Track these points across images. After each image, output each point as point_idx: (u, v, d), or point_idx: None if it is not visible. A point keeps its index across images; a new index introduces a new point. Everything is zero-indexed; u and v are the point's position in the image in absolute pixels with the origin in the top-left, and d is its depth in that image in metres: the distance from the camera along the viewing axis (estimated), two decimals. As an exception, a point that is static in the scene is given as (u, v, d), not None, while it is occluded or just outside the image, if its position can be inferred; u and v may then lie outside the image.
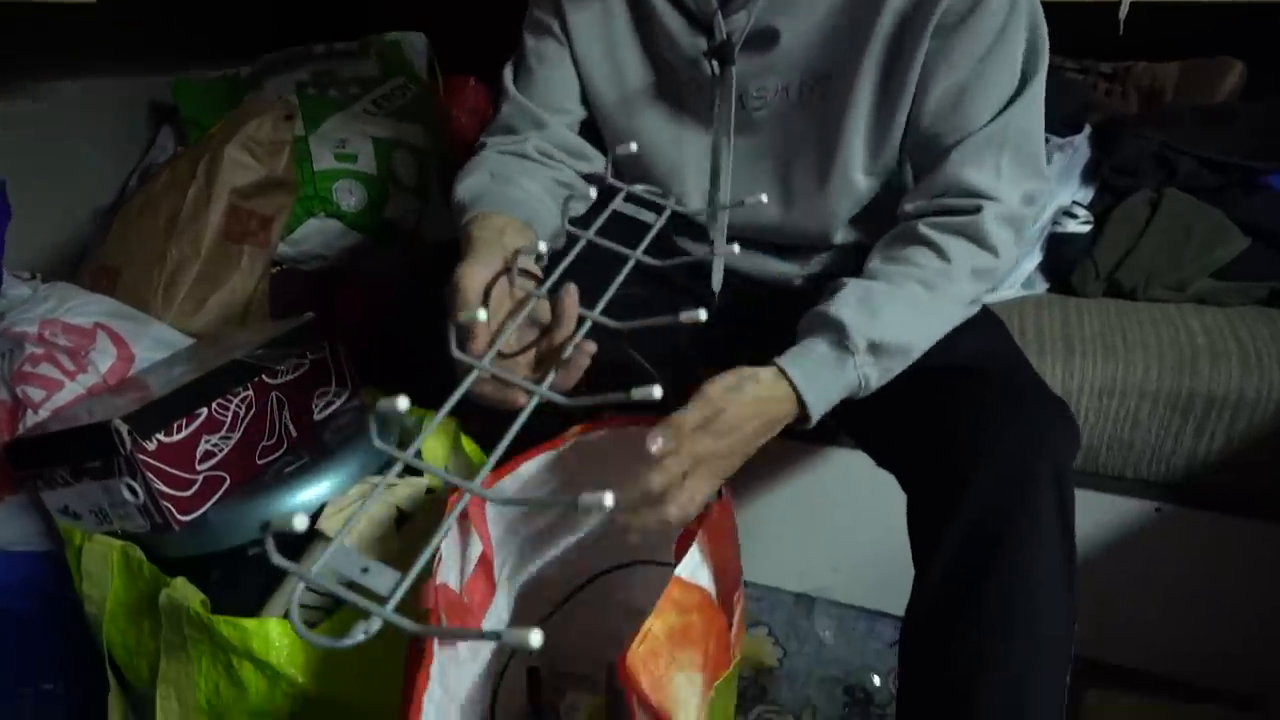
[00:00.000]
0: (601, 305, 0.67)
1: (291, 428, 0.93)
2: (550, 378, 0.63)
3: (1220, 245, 1.14)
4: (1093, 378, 1.04)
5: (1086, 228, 1.20)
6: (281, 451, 0.91)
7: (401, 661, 0.65)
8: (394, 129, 1.35)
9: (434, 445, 0.94)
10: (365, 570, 0.65)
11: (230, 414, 0.87)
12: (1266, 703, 1.03)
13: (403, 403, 0.48)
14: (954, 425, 0.71)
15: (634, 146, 0.73)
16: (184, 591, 0.75)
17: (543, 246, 0.67)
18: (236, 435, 0.87)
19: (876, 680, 1.10)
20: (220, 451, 0.85)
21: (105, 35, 1.39)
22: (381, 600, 0.45)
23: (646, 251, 0.70)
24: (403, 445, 1.07)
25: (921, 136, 0.80)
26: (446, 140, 1.42)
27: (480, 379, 0.64)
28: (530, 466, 0.80)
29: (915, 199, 0.81)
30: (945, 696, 0.68)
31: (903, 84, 0.78)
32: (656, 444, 0.65)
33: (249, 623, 0.73)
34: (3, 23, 1.18)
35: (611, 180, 0.76)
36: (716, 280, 0.94)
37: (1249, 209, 1.17)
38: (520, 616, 0.91)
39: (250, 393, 0.89)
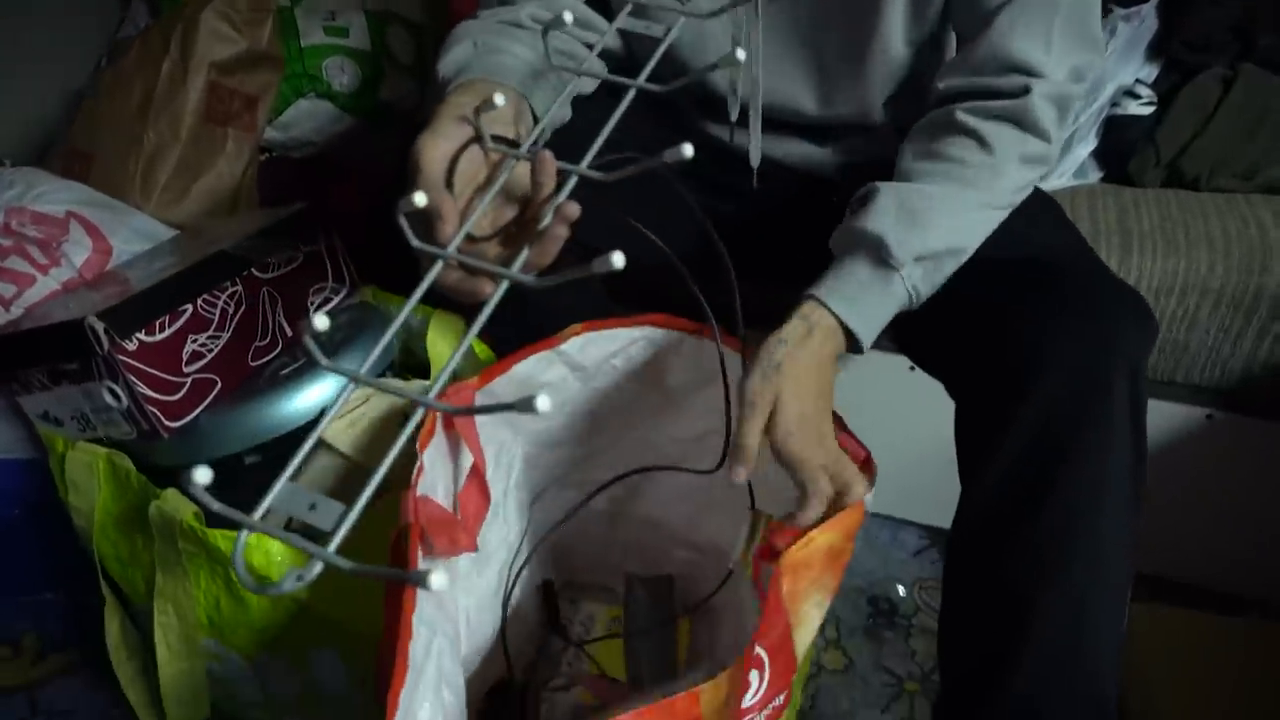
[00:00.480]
0: (590, 156, 0.56)
1: (286, 326, 0.86)
2: (522, 257, 0.53)
3: (1298, 129, 1.04)
4: (1150, 275, 0.96)
5: (1149, 109, 1.09)
6: (276, 352, 0.85)
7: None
8: (387, 0, 1.23)
9: (439, 346, 0.88)
10: (313, 507, 0.59)
11: (218, 311, 0.80)
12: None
13: (321, 322, 0.43)
14: (1014, 322, 0.64)
15: None
16: (175, 504, 0.70)
17: (500, 99, 0.56)
18: (226, 334, 0.80)
19: (901, 590, 1.07)
20: (209, 352, 0.78)
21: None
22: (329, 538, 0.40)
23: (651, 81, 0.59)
24: (407, 349, 1.01)
25: None
26: (444, 16, 1.30)
27: (447, 268, 0.55)
28: (525, 367, 0.73)
29: (951, 76, 0.72)
30: (999, 611, 0.63)
31: None
32: (740, 476, 0.62)
33: (250, 538, 0.68)
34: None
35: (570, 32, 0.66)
36: (755, 151, 0.83)
37: (1334, 88, 1.06)
38: (530, 526, 0.87)
39: (239, 288, 0.82)
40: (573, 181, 0.56)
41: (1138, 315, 0.63)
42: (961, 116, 0.68)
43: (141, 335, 0.73)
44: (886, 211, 0.65)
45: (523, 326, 0.74)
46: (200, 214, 1.03)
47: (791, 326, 0.64)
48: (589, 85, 0.81)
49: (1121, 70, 1.13)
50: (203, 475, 0.39)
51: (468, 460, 0.68)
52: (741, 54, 0.62)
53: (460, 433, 0.67)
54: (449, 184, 0.58)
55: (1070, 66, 0.68)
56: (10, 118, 1.21)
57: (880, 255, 0.65)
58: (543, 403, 0.36)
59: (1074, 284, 0.65)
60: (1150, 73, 1.14)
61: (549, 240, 0.55)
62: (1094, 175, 1.13)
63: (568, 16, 0.61)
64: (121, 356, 0.71)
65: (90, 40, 1.34)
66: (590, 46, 0.71)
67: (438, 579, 0.34)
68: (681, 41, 0.79)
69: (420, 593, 0.54)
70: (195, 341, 0.77)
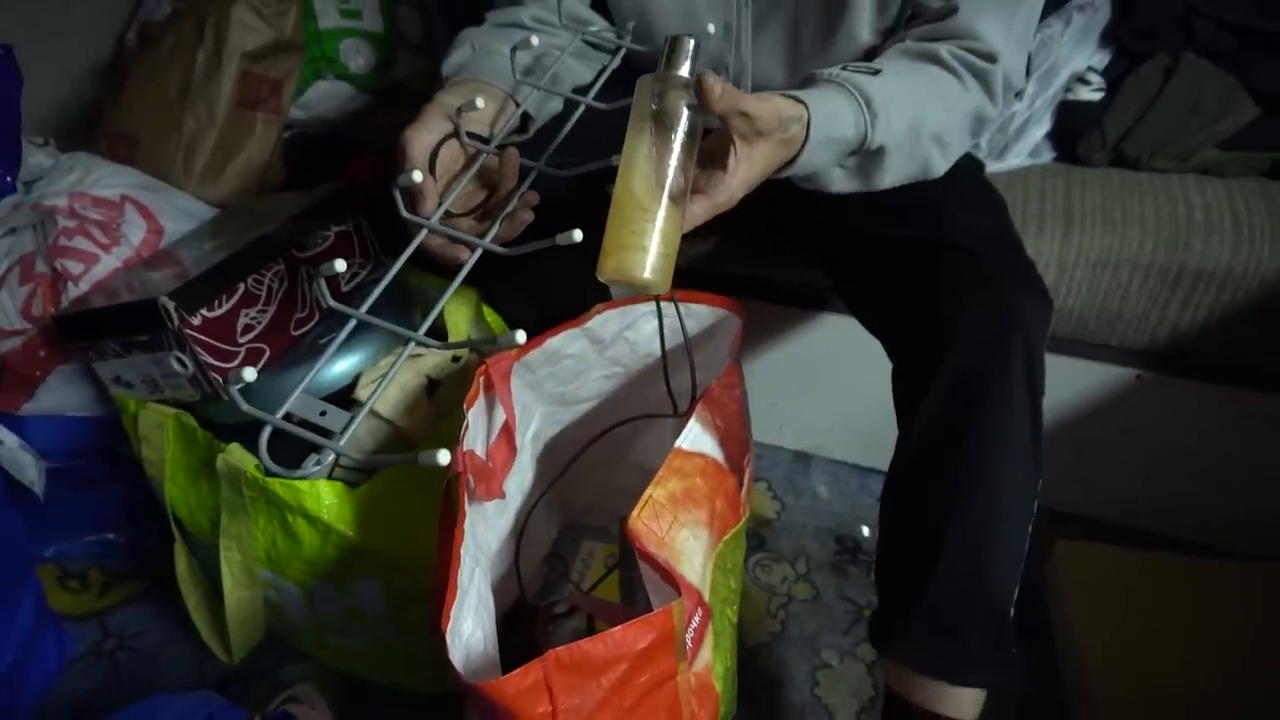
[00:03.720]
0: (547, 155, 0.70)
1: (322, 299, 0.97)
2: (493, 231, 0.67)
3: (1228, 115, 1.14)
4: (1089, 250, 1.06)
5: (1099, 95, 1.19)
6: (314, 323, 0.96)
7: (436, 517, 0.73)
8: (396, -19, 1.31)
9: (456, 315, 0.99)
10: (323, 414, 0.73)
11: (265, 288, 0.91)
12: (1230, 549, 1.13)
13: (340, 264, 0.60)
14: (936, 301, 0.75)
15: None
16: (240, 457, 0.82)
17: (480, 102, 0.68)
18: (273, 308, 0.91)
19: (865, 531, 1.19)
20: (259, 325, 0.89)
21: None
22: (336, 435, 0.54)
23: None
24: (424, 312, 1.13)
25: None
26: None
27: (430, 236, 0.67)
28: (556, 341, 0.85)
29: (920, 34, 0.79)
30: (918, 540, 0.76)
31: None
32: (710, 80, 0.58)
33: (302, 485, 0.80)
34: None
35: (568, 24, 0.78)
36: None
37: (1267, 75, 1.15)
38: (541, 474, 0.99)
39: (282, 266, 0.92)
40: (533, 175, 0.70)
41: (1036, 297, 0.74)
42: (946, 55, 0.75)
43: (204, 312, 0.84)
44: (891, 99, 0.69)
45: (548, 305, 0.87)
46: (235, 191, 1.13)
47: (796, 124, 0.65)
48: (584, 75, 0.91)
49: (1075, 57, 1.23)
50: (249, 374, 0.54)
51: (500, 417, 0.79)
52: (711, 27, 0.75)
53: (498, 393, 0.78)
54: (431, 169, 0.70)
55: (1018, 63, 0.77)
56: (45, 95, 1.30)
57: (863, 154, 0.70)
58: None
59: (987, 269, 0.75)
60: (1102, 60, 1.23)
61: (516, 221, 0.68)
62: (1047, 156, 1.23)
63: (534, 40, 0.73)
64: (188, 330, 0.82)
65: (108, 15, 1.41)
66: (562, 51, 0.82)
67: (443, 456, 0.47)
68: (671, 30, 0.88)
69: (465, 529, 0.66)
70: (247, 315, 0.88)
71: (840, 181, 0.74)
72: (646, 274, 0.57)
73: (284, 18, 1.14)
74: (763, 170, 0.65)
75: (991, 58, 0.76)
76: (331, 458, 0.53)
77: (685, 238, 0.62)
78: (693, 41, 0.62)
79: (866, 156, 0.72)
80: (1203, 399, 1.08)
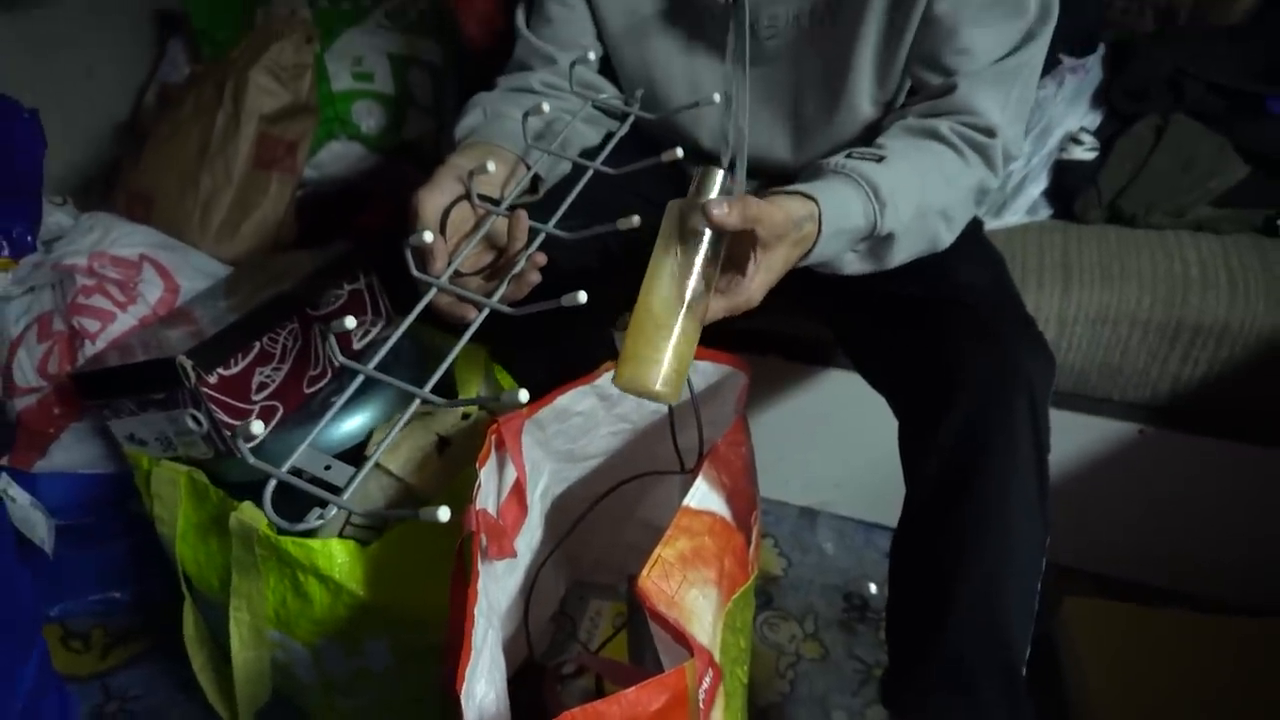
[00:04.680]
0: (555, 218, 0.72)
1: (335, 357, 0.98)
2: (500, 290, 0.68)
3: (1220, 173, 1.16)
4: (1088, 306, 1.08)
5: (1092, 154, 1.22)
6: (327, 381, 0.97)
7: (446, 575, 0.73)
8: (408, 45, 1.35)
9: (466, 373, 1.00)
10: (328, 468, 0.75)
11: (280, 347, 0.92)
12: (1234, 603, 1.12)
13: (350, 321, 0.61)
14: (939, 356, 0.76)
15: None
16: (252, 514, 0.82)
17: (491, 166, 0.70)
18: (286, 366, 0.92)
19: (873, 588, 1.19)
20: (273, 383, 0.91)
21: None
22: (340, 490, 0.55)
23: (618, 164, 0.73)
24: (433, 370, 1.15)
25: (927, 59, 0.80)
26: (458, 59, 1.41)
27: (439, 295, 0.69)
28: (565, 399, 0.86)
29: (921, 110, 0.81)
30: (928, 593, 0.76)
31: (911, 6, 0.78)
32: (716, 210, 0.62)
33: (314, 543, 0.81)
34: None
35: (578, 90, 0.80)
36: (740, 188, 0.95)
37: (1254, 135, 1.19)
38: (549, 531, 0.99)
39: (296, 325, 0.94)
40: (541, 238, 0.71)
41: (1038, 351, 0.76)
42: (947, 131, 0.77)
43: (220, 370, 0.85)
44: (904, 212, 0.72)
45: (556, 363, 0.88)
46: (249, 249, 1.16)
47: (809, 222, 0.68)
48: (592, 138, 0.94)
49: (1069, 117, 1.26)
50: (257, 427, 0.54)
51: (510, 476, 0.80)
52: (717, 96, 0.77)
53: (509, 452, 0.79)
54: (442, 229, 0.71)
55: (1016, 134, 0.80)
56: (64, 154, 1.32)
57: (873, 239, 0.73)
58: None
59: (988, 324, 0.77)
60: (1094, 120, 1.27)
61: (522, 281, 0.70)
62: (1044, 213, 1.26)
63: (545, 107, 0.76)
64: (204, 389, 0.83)
65: (126, 78, 1.45)
66: (573, 115, 0.84)
67: (443, 512, 0.48)
68: (675, 99, 0.91)
69: (479, 590, 0.66)
70: (262, 374, 0.89)
71: (853, 265, 0.77)
72: (658, 386, 0.61)
73: (300, 81, 1.18)
74: (781, 270, 0.68)
75: (990, 132, 0.78)
76: (335, 513, 0.54)
77: None
78: (722, 173, 0.66)
79: (877, 241, 0.74)
80: (1205, 453, 1.09)
